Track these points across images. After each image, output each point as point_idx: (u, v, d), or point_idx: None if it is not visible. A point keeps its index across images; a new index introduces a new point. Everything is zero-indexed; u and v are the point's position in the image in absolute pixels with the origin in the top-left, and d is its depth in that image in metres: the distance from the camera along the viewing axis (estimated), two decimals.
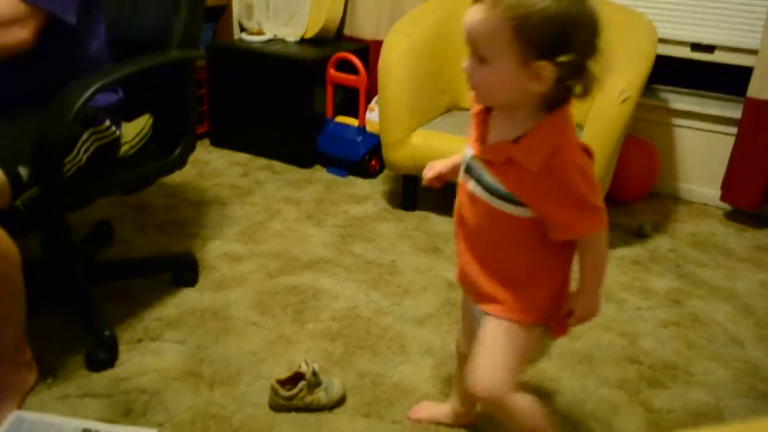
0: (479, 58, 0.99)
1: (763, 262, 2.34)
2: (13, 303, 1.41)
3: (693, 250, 2.41)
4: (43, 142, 1.39)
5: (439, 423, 1.52)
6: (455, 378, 1.48)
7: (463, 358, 1.36)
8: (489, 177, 1.09)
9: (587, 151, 1.08)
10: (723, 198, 2.64)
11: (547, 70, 0.95)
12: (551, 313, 1.18)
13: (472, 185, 1.13)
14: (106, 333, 1.65)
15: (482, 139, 1.11)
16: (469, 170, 1.14)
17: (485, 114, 1.12)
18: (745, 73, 2.55)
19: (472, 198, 1.13)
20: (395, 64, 2.44)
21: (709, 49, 2.71)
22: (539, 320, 1.18)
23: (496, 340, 1.18)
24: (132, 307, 1.86)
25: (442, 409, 1.53)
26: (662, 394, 1.67)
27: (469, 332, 1.32)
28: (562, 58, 0.94)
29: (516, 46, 0.95)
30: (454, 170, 1.24)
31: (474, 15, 0.98)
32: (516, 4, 0.93)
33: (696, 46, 2.72)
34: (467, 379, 1.21)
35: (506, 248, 1.15)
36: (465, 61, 1.03)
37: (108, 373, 1.60)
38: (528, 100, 1.01)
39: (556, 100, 1.01)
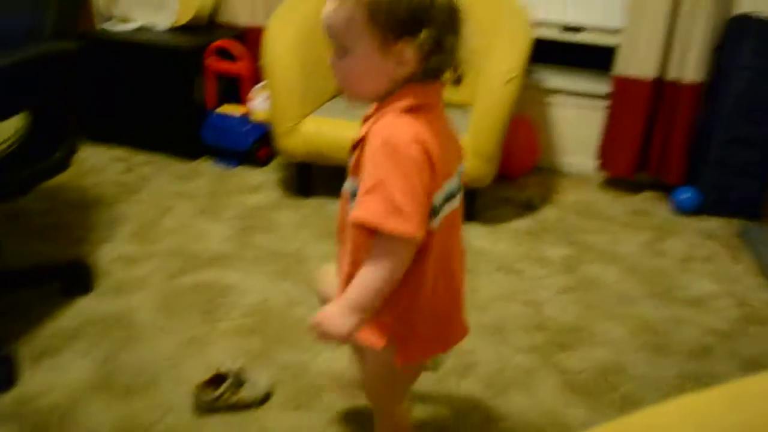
0: (341, 50, 0.97)
1: (640, 225, 2.52)
2: None
3: (578, 218, 2.55)
4: None
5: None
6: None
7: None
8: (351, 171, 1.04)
9: (419, 143, 0.93)
10: (599, 168, 2.82)
11: (407, 50, 0.92)
12: (398, 336, 1.06)
13: (345, 185, 1.08)
14: (2, 351, 1.51)
15: None
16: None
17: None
18: (611, 50, 2.72)
19: (343, 196, 1.09)
20: (282, 54, 2.39)
21: (578, 29, 2.86)
22: (387, 341, 1.06)
23: (371, 361, 1.18)
24: (26, 322, 1.71)
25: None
26: (572, 355, 1.76)
27: None
28: (421, 35, 0.91)
29: (373, 29, 0.92)
30: None
31: (329, 6, 0.96)
32: None
33: (566, 28, 2.87)
34: None
35: (355, 254, 1.04)
36: (330, 57, 1.00)
37: (12, 394, 1.48)
38: (392, 87, 0.97)
39: (410, 80, 0.97)
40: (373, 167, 0.93)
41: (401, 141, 0.92)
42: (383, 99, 0.99)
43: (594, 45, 2.85)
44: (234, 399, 1.48)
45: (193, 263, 2.05)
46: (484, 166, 2.29)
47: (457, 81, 1.00)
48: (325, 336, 0.99)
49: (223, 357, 1.60)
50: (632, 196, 2.76)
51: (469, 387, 1.62)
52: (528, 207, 2.60)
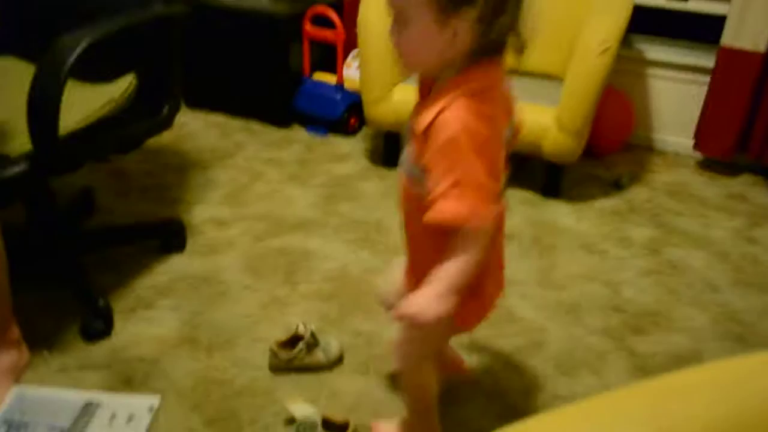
0: (400, 19, 0.97)
1: (735, 210, 2.41)
2: None
3: (669, 199, 2.47)
4: (37, 103, 1.36)
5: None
6: None
7: None
8: (407, 147, 1.05)
9: (491, 123, 0.97)
10: (696, 147, 2.70)
11: (465, 22, 0.93)
12: (459, 302, 1.07)
13: (404, 165, 1.09)
14: (101, 302, 1.66)
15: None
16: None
17: (433, 82, 1.07)
18: (719, 21, 2.58)
19: (401, 175, 1.10)
20: (375, 21, 2.41)
21: None
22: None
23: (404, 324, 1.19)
24: (122, 276, 1.86)
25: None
26: (646, 339, 1.74)
27: None
28: (473, 10, 0.92)
29: (431, 2, 0.93)
30: None
31: None
32: None
33: None
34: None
35: (417, 230, 1.09)
36: (390, 27, 1.00)
37: (105, 343, 1.62)
38: (451, 62, 0.98)
39: (474, 58, 0.98)
40: (448, 159, 0.94)
41: (480, 127, 0.94)
42: (443, 76, 1.00)
43: (700, 14, 2.71)
44: (307, 360, 1.56)
45: (279, 227, 2.15)
46: (571, 141, 2.24)
47: (521, 49, 0.99)
48: (418, 322, 1.01)
49: (300, 319, 1.68)
50: (729, 178, 2.63)
51: (537, 365, 1.63)
52: (615, 186, 2.53)
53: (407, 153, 1.06)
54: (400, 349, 1.26)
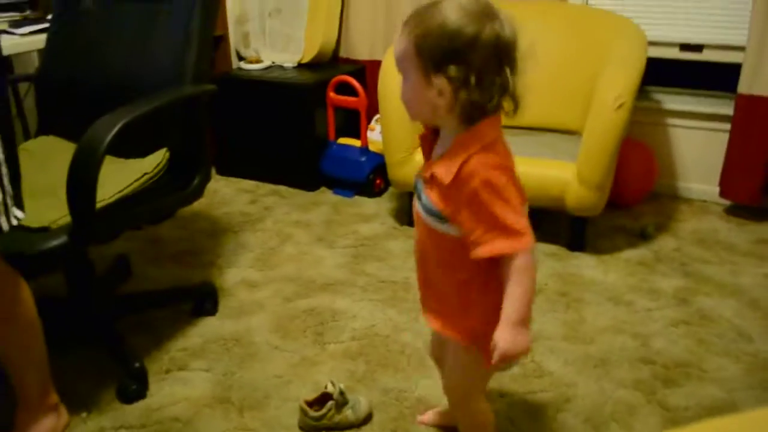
0: (402, 73, 1.09)
1: (765, 255, 2.39)
2: (32, 349, 1.44)
3: (696, 247, 2.46)
4: (76, 179, 1.44)
5: (445, 426, 1.57)
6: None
7: (437, 361, 1.49)
8: (424, 194, 1.14)
9: (506, 170, 1.07)
10: (722, 194, 2.70)
11: (441, 83, 1.03)
12: (484, 339, 1.14)
13: (417, 203, 1.19)
14: (136, 365, 1.71)
15: (427, 159, 1.20)
16: (416, 189, 1.20)
17: (433, 136, 1.18)
18: (734, 69, 2.61)
19: (417, 216, 1.19)
20: (395, 87, 2.48)
21: (698, 48, 2.77)
22: (472, 343, 1.19)
23: (453, 358, 1.28)
24: (156, 339, 1.91)
25: (445, 414, 1.59)
26: (677, 392, 1.72)
27: (435, 337, 1.46)
28: (451, 72, 1.01)
29: (418, 61, 1.04)
30: None
31: (396, 38, 1.09)
32: (418, 22, 1.04)
33: (685, 47, 2.79)
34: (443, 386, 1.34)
35: (441, 266, 1.19)
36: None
37: (140, 404, 1.66)
38: (446, 116, 1.07)
39: (473, 116, 1.07)
40: (481, 206, 1.05)
41: (496, 177, 1.05)
42: (447, 131, 1.11)
43: (715, 63, 2.75)
44: (337, 418, 1.58)
45: (308, 288, 2.19)
46: (593, 195, 2.26)
47: (514, 109, 1.08)
48: (514, 358, 1.10)
49: (329, 377, 1.70)
50: (757, 224, 2.62)
51: (567, 420, 1.62)
52: (642, 236, 2.53)
53: (424, 194, 1.15)
54: (450, 383, 1.33)
